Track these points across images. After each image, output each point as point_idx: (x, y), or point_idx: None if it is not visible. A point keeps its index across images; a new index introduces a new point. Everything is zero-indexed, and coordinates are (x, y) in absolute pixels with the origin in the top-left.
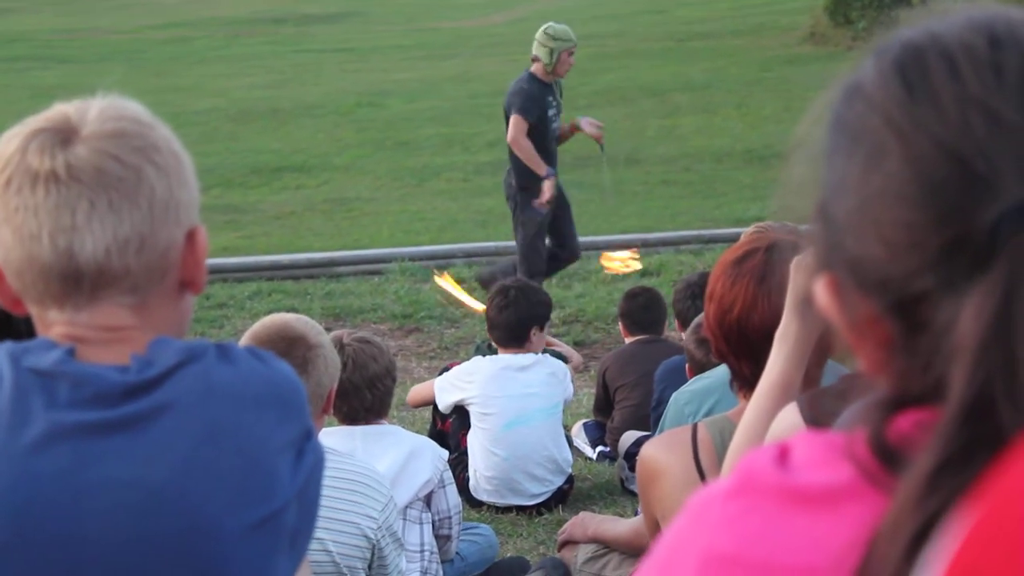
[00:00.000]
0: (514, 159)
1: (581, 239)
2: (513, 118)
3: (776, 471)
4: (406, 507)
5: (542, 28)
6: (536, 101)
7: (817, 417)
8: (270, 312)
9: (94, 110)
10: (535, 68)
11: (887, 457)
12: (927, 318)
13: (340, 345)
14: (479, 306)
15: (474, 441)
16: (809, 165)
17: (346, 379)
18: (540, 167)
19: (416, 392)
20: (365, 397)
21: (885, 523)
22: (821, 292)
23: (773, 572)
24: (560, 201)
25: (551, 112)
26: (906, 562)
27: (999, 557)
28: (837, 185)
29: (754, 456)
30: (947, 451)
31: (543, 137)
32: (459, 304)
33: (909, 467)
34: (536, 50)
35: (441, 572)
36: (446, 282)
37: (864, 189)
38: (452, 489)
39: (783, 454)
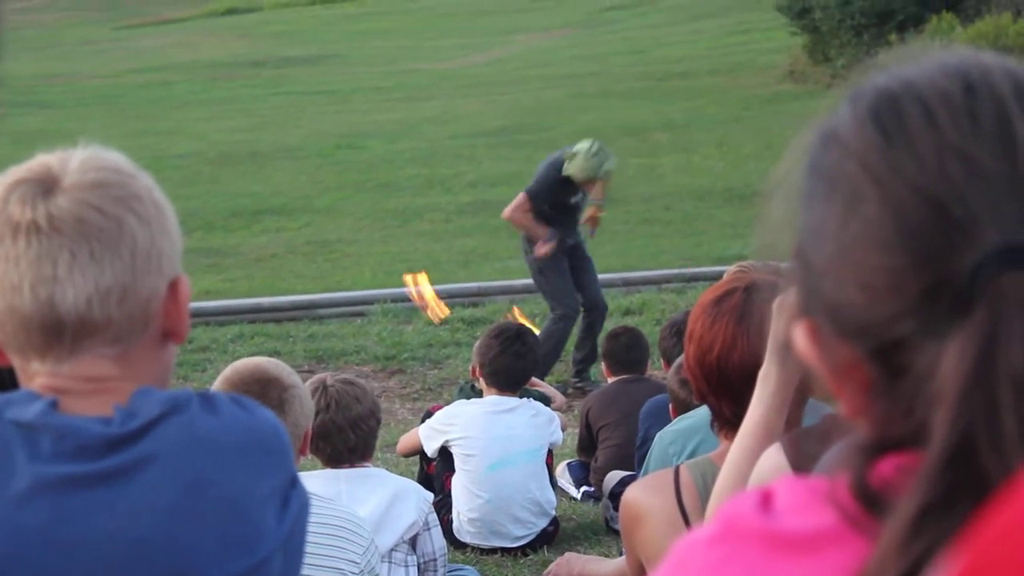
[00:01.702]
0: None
1: None
2: (520, 195)
3: (759, 517)
4: (391, 550)
5: (593, 148)
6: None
7: (800, 459)
8: (253, 355)
9: (75, 161)
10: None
11: (870, 502)
12: (908, 363)
13: (323, 386)
14: (441, 313)
15: (457, 483)
16: (786, 207)
17: (329, 420)
18: (540, 234)
19: (403, 442)
20: (349, 438)
21: (868, 568)
22: (800, 338)
23: None
24: (579, 257)
25: (573, 199)
26: None
27: None
28: (815, 230)
29: (737, 502)
30: (930, 496)
31: (559, 212)
32: (423, 305)
33: (892, 512)
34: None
35: None
36: (420, 283)
37: (842, 235)
38: (437, 531)
39: (766, 499)
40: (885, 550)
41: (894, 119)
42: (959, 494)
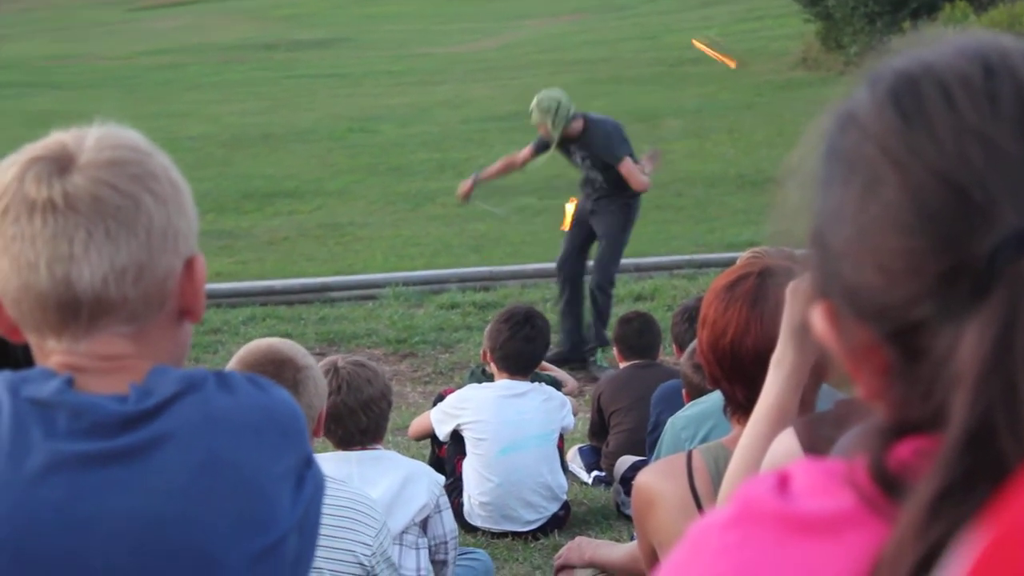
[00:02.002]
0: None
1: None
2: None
3: (776, 499)
4: (402, 532)
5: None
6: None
7: (814, 443)
8: (265, 337)
9: (91, 138)
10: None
11: (888, 485)
12: (926, 346)
13: (334, 368)
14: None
15: (468, 467)
16: (803, 192)
17: (341, 402)
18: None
19: (415, 425)
20: (360, 420)
21: (887, 551)
22: (818, 320)
23: None
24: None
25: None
26: None
27: None
28: (833, 213)
29: (753, 484)
30: (948, 479)
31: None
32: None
33: (910, 495)
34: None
35: None
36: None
37: (861, 217)
38: (448, 514)
39: (783, 482)
40: (903, 533)
41: (913, 101)
42: (977, 477)
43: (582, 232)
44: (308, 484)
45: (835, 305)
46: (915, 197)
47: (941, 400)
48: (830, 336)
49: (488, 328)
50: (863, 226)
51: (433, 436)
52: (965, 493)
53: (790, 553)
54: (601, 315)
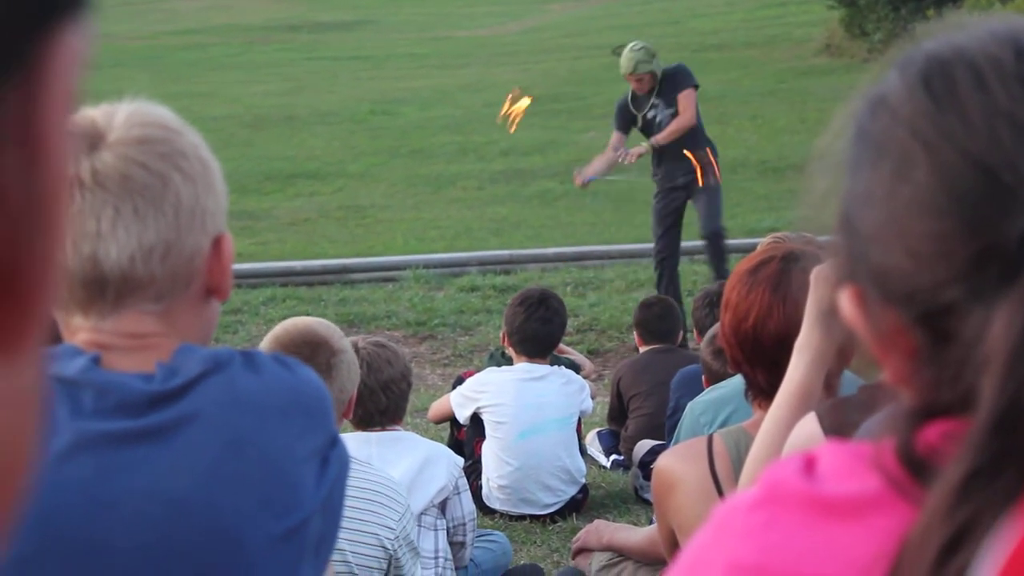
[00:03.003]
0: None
1: (596, 248)
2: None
3: (802, 481)
4: (421, 514)
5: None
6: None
7: (837, 427)
8: (284, 318)
9: (121, 115)
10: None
11: (916, 467)
12: (954, 329)
13: (355, 349)
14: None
15: (487, 450)
16: (830, 177)
17: (361, 382)
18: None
19: (435, 408)
20: (380, 400)
21: (914, 534)
22: (846, 303)
23: None
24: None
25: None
26: (934, 574)
27: None
28: (862, 197)
29: (779, 466)
30: (977, 461)
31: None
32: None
33: (938, 477)
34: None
35: None
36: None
37: (891, 201)
38: (467, 496)
39: (809, 464)
40: (930, 516)
41: (945, 84)
42: (1006, 461)
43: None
44: (333, 465)
45: (863, 289)
46: (945, 180)
47: (970, 383)
48: (858, 320)
49: (505, 311)
50: (893, 209)
51: (452, 419)
52: (993, 476)
53: (816, 535)
54: (721, 259)
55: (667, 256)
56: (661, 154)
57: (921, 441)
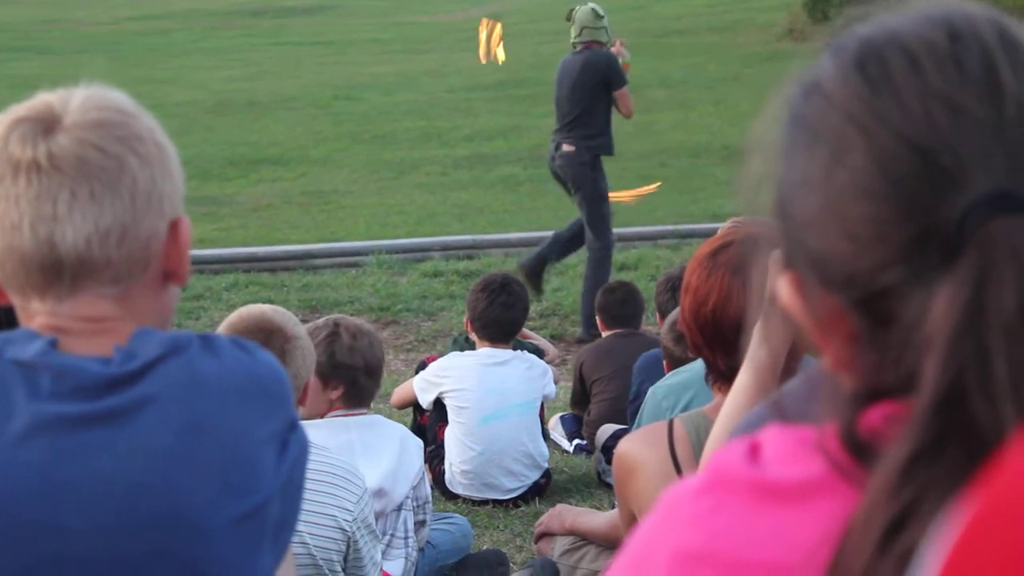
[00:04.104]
0: (589, 133)
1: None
2: (623, 92)
3: (747, 467)
4: (405, 496)
5: (590, 9)
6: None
7: (791, 413)
8: (247, 303)
9: (77, 99)
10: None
11: (859, 451)
12: (895, 312)
13: (335, 330)
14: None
15: (450, 435)
16: (765, 163)
17: (358, 363)
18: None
19: (398, 393)
20: (369, 384)
21: (857, 516)
22: (784, 290)
23: (744, 569)
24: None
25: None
26: (879, 555)
27: (996, 553)
28: (797, 183)
29: (724, 452)
30: (919, 443)
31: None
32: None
33: (881, 459)
34: (592, 35)
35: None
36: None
37: (827, 185)
38: (427, 475)
39: (753, 450)
40: (874, 498)
41: (879, 68)
42: (948, 441)
43: None
44: (292, 448)
45: (800, 275)
46: (882, 163)
47: (912, 366)
48: (796, 306)
49: (468, 297)
50: (830, 194)
51: (415, 404)
52: (936, 457)
53: (762, 520)
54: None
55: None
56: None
57: (864, 424)
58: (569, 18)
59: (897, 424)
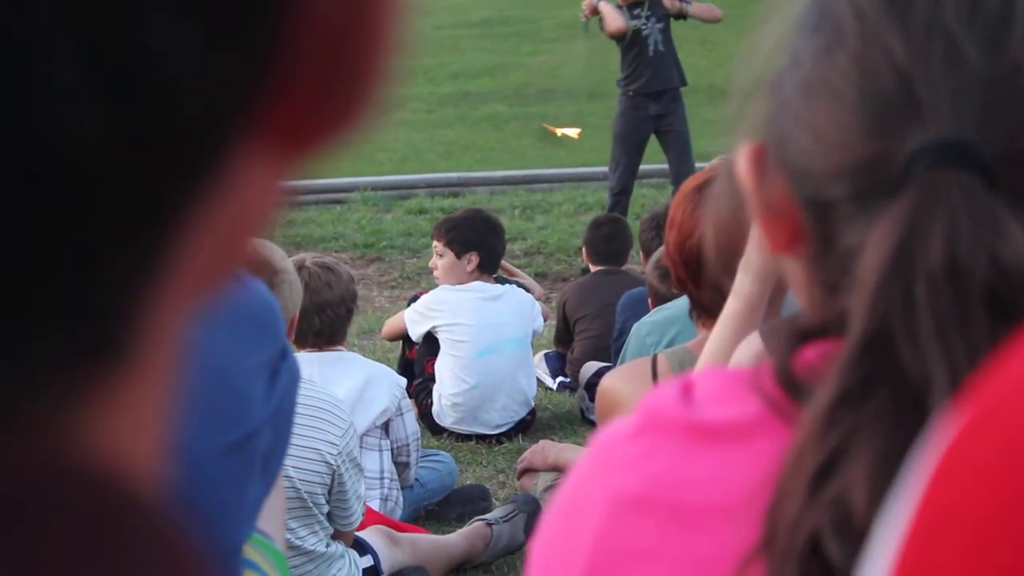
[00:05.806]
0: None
1: (545, 171)
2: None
3: (680, 407)
4: (363, 435)
5: None
6: None
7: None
8: None
9: None
10: None
11: (792, 388)
12: (835, 233)
13: (299, 268)
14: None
15: (443, 367)
16: (784, 33)
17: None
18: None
19: (388, 325)
20: (313, 322)
21: (788, 458)
22: (743, 159)
23: (683, 513)
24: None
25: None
26: (809, 501)
27: (994, 453)
28: (795, 56)
29: (656, 394)
30: (846, 384)
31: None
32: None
33: (810, 400)
34: None
35: (401, 498)
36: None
37: (812, 71)
38: (410, 417)
39: (686, 390)
40: (802, 440)
41: None
42: (876, 384)
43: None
44: (283, 377)
45: (764, 148)
46: (864, 72)
47: (845, 303)
48: (750, 180)
49: None
50: (811, 80)
51: (405, 337)
52: (863, 399)
53: (697, 461)
54: None
55: (624, 193)
56: (653, 53)
57: (801, 361)
58: None
59: (830, 362)
